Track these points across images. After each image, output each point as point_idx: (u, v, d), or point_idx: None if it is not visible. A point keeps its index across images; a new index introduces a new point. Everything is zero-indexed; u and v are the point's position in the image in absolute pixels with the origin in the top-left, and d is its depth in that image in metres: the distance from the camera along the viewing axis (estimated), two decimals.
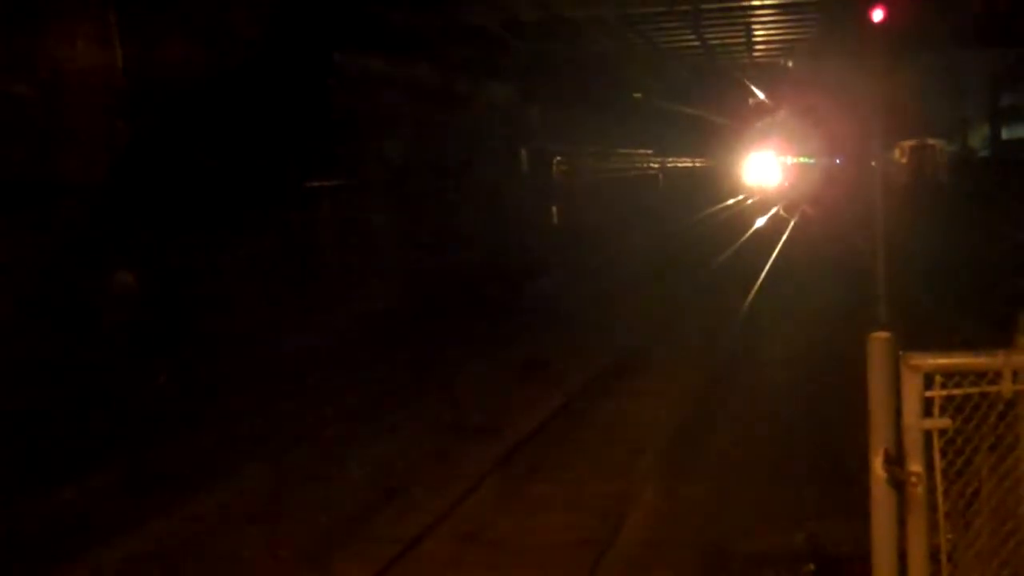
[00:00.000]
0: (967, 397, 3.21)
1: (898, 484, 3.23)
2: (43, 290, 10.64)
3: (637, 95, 35.93)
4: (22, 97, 10.45)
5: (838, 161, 53.53)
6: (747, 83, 36.64)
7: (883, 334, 3.23)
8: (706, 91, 38.35)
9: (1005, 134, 40.06)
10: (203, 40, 13.48)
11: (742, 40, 26.57)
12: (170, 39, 12.84)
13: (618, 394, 11.65)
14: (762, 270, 20.95)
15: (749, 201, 47.66)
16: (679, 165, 47.68)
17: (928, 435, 3.22)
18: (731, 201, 48.15)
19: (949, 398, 3.20)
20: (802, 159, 58.27)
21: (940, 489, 3.24)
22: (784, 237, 29.10)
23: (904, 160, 42.12)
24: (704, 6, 21.02)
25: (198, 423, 10.41)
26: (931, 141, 42.32)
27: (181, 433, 10.10)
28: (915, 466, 3.21)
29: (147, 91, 12.20)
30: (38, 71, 10.82)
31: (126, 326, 11.57)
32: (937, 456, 3.23)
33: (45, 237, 10.70)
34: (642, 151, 41.46)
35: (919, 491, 3.22)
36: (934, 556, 3.27)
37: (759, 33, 25.53)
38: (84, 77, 11.40)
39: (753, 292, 18.13)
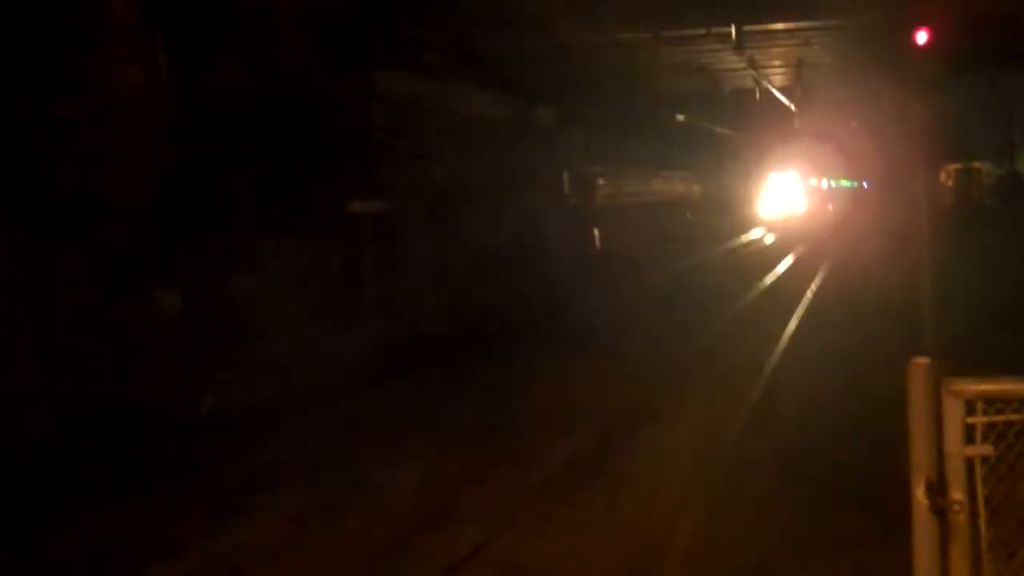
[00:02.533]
0: (1009, 424, 3.16)
1: (940, 512, 3.19)
2: (90, 312, 10.76)
3: (680, 117, 35.93)
4: (71, 120, 10.59)
5: (865, 185, 52.82)
6: (789, 105, 36.49)
7: (923, 359, 3.19)
8: (749, 113, 38.24)
9: None
10: (248, 64, 13.62)
11: (784, 61, 26.56)
12: (216, 63, 12.98)
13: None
14: (802, 302, 20.57)
15: (786, 227, 46.96)
16: (722, 188, 47.50)
17: (970, 462, 3.17)
18: (767, 227, 47.73)
19: (991, 425, 3.16)
20: (842, 182, 57.67)
21: (983, 517, 3.20)
22: (826, 263, 28.80)
23: (949, 183, 41.88)
24: (746, 28, 21.01)
25: (235, 451, 10.50)
26: (976, 164, 42.05)
27: (224, 459, 10.20)
28: (957, 494, 3.17)
29: (193, 115, 12.34)
30: (87, 94, 10.96)
31: (170, 348, 11.67)
32: (979, 484, 3.19)
33: (93, 259, 10.83)
34: (682, 173, 41.42)
35: (962, 519, 3.17)
36: None
37: (802, 54, 25.47)
38: (132, 101, 11.55)
39: (795, 322, 17.86)
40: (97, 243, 10.86)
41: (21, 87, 10.07)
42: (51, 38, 10.43)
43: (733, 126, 41.82)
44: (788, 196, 52.73)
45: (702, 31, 21.48)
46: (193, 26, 12.58)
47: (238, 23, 13.34)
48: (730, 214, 45.15)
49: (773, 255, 32.38)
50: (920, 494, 3.19)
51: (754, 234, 43.45)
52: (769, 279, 25.54)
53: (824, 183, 56.55)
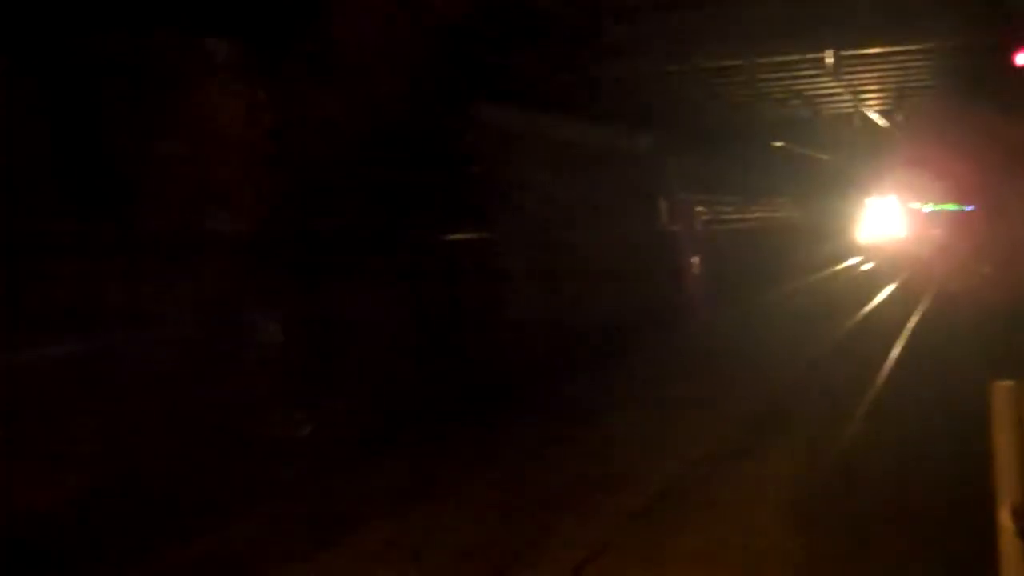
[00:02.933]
0: None
1: None
2: (193, 341, 11.02)
3: (777, 143, 35.59)
4: (173, 155, 10.90)
5: (968, 208, 51.04)
6: (888, 128, 35.88)
7: (1007, 383, 3.17)
8: (847, 137, 37.68)
9: None
10: (346, 98, 13.83)
11: (881, 85, 26.24)
12: (315, 98, 13.22)
13: None
14: (904, 332, 20.10)
15: (886, 253, 45.82)
16: (821, 214, 46.74)
17: None
18: (867, 254, 46.77)
19: None
20: (946, 206, 56.06)
21: None
22: (929, 293, 28.10)
23: None
24: (843, 53, 20.80)
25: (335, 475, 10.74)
26: None
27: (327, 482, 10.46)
28: None
29: (292, 148, 12.58)
30: (189, 131, 11.26)
31: (271, 376, 11.90)
32: None
33: (196, 288, 11.10)
34: (781, 199, 40.97)
35: None
36: None
37: (901, 77, 25.14)
38: (232, 136, 11.83)
39: (897, 349, 17.50)
40: (200, 272, 11.14)
41: (126, 126, 10.40)
42: (154, 78, 10.75)
43: (831, 151, 41.25)
44: (888, 221, 51.67)
45: (797, 57, 21.34)
46: (292, 62, 12.85)
47: (336, 58, 13.58)
48: (829, 240, 44.49)
49: (874, 283, 31.87)
50: (1005, 519, 3.16)
51: (853, 261, 42.79)
52: (868, 307, 25.15)
53: (926, 207, 55.24)
